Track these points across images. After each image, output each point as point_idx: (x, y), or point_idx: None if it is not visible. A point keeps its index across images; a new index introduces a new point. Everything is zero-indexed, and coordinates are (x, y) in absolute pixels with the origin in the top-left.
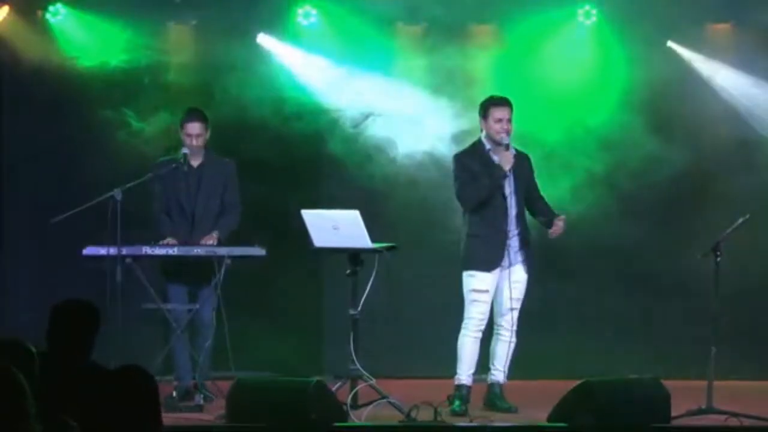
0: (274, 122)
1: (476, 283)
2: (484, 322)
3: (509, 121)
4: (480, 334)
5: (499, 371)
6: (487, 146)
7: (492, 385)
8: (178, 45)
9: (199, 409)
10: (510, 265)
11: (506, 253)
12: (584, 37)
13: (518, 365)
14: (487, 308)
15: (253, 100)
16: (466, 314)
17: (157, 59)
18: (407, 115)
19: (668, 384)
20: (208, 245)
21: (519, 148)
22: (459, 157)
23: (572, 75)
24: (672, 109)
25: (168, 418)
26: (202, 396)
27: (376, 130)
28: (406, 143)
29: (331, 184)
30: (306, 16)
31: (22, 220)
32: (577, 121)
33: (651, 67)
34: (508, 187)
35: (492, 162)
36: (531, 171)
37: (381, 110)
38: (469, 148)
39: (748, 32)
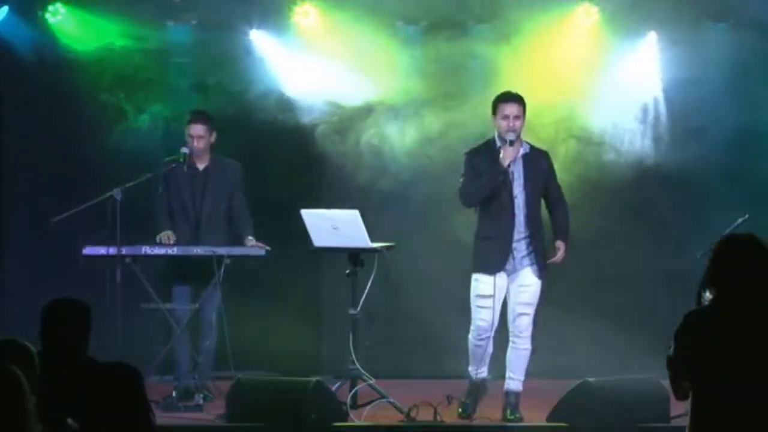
0: (273, 121)
1: (480, 288)
2: (490, 329)
3: (516, 117)
4: (486, 340)
5: (512, 379)
6: (498, 144)
7: (507, 394)
8: (177, 44)
9: (199, 409)
10: (515, 270)
11: (510, 257)
12: (584, 36)
13: None
14: (491, 314)
15: (252, 99)
16: (472, 319)
17: (157, 58)
18: (407, 114)
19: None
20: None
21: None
22: (468, 155)
23: (571, 74)
24: (670, 108)
25: (168, 418)
26: (201, 396)
27: (376, 129)
28: (406, 142)
29: (331, 183)
30: (305, 15)
31: (22, 220)
32: (576, 121)
33: (649, 65)
34: (517, 188)
35: (498, 159)
36: (548, 170)
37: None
38: (481, 145)
39: (746, 32)
